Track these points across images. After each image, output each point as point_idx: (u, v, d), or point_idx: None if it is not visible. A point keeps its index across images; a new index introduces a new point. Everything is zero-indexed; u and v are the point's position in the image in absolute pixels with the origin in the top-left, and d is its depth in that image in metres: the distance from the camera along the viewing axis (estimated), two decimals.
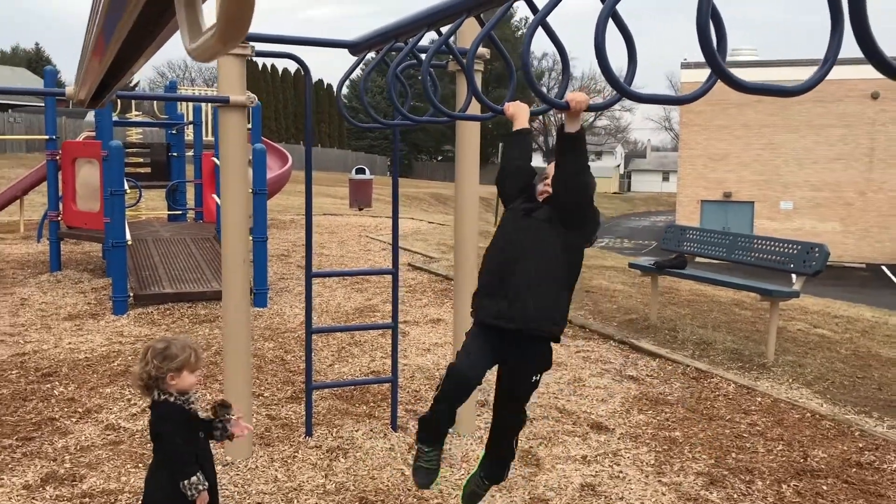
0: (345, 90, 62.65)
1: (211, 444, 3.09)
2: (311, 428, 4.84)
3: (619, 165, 79.28)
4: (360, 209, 20.14)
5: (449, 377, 3.18)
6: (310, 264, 4.70)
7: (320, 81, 56.20)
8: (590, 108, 2.78)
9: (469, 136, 4.66)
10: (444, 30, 3.64)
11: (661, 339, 7.48)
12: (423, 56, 3.16)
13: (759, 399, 5.82)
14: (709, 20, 1.58)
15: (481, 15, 2.89)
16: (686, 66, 31.68)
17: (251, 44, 4.13)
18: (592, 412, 5.52)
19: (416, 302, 9.09)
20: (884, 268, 27.32)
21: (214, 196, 11.14)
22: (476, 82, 2.98)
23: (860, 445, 4.95)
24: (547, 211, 3.18)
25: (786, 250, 7.03)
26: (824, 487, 4.36)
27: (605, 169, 74.44)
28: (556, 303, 3.15)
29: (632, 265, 8.71)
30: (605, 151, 77.89)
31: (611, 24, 1.85)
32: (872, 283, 24.00)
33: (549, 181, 3.22)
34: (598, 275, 11.27)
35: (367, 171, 21.49)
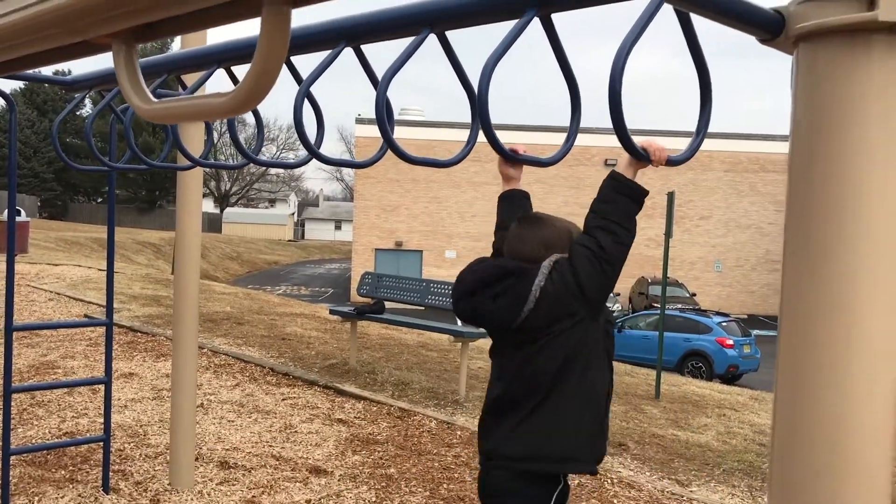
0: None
1: None
2: (8, 498, 4.32)
3: (293, 213, 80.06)
4: (15, 255, 18.11)
5: None
6: (10, 314, 4.25)
7: None
8: (669, 163, 2.07)
9: (193, 184, 4.58)
10: (191, 79, 3.62)
11: (362, 382, 7.78)
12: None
13: (458, 432, 6.34)
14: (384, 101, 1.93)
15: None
16: (360, 121, 33.29)
17: None
18: (309, 457, 5.60)
19: (101, 356, 8.44)
20: None
21: None
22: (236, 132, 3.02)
23: None
24: None
25: None
26: None
27: (279, 216, 74.73)
28: None
29: (332, 311, 8.96)
30: (278, 199, 78.24)
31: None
32: None
33: None
34: (290, 322, 11.36)
35: (23, 213, 19.49)
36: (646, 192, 2.51)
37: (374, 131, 31.58)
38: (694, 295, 29.17)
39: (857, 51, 1.07)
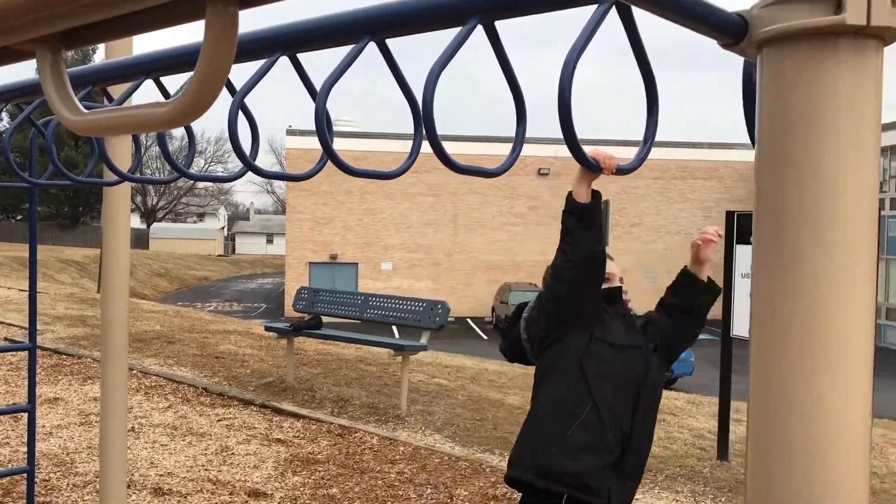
0: None
1: None
2: None
3: (223, 228, 78.61)
4: None
5: None
6: None
7: None
8: (618, 172, 2.17)
9: (120, 200, 4.38)
10: (117, 91, 3.46)
11: (300, 400, 7.61)
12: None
13: (401, 448, 6.24)
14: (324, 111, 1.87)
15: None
16: (291, 132, 32.93)
17: None
18: (247, 480, 5.43)
19: (24, 381, 8.06)
20: (469, 320, 30.82)
21: None
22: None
23: (492, 480, 5.57)
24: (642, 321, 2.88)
25: (414, 308, 7.68)
26: None
27: (208, 231, 73.29)
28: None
29: (268, 328, 8.76)
30: (207, 213, 76.75)
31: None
32: (462, 334, 26.91)
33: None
34: (223, 340, 11.08)
35: None
36: (582, 206, 2.59)
37: (305, 143, 31.29)
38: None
39: (825, 55, 1.05)
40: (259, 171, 2.47)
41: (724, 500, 5.55)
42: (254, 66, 2.11)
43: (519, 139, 2.10)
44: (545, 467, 2.66)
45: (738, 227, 6.83)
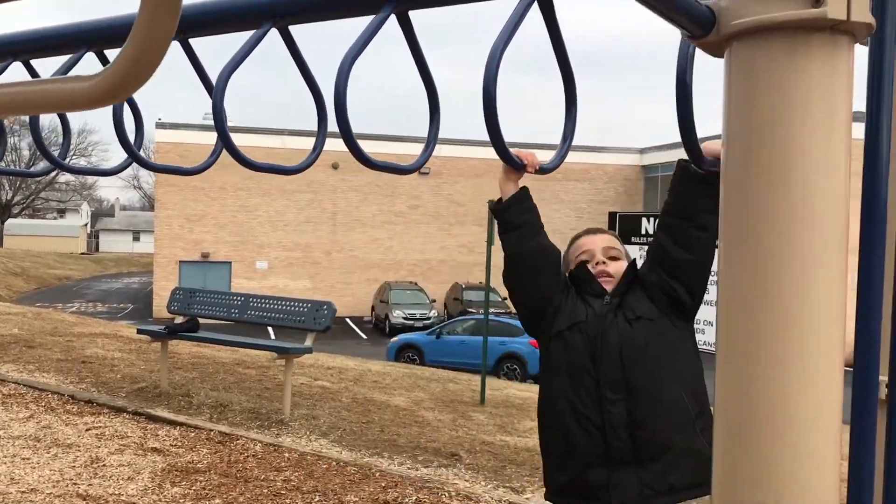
0: None
1: None
2: None
3: (86, 224, 74.68)
4: None
5: None
6: None
7: None
8: (540, 170, 2.02)
9: None
10: None
11: (176, 406, 7.25)
12: None
13: (286, 455, 6.03)
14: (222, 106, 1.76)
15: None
16: (161, 125, 31.64)
17: None
18: (122, 493, 5.09)
19: None
20: (347, 320, 30.50)
21: None
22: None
23: (383, 485, 5.46)
24: (637, 299, 2.44)
25: (298, 309, 7.46)
26: None
27: (70, 228, 69.49)
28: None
29: (141, 331, 8.30)
30: (69, 209, 72.69)
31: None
32: (342, 334, 26.59)
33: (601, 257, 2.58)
34: (90, 343, 10.45)
35: None
36: (499, 211, 2.57)
37: (175, 136, 30.16)
38: (505, 299, 30.13)
39: (799, 50, 1.00)
40: (147, 165, 2.28)
41: None
42: None
43: (432, 136, 2.01)
44: (550, 484, 2.54)
45: (620, 227, 7.01)
